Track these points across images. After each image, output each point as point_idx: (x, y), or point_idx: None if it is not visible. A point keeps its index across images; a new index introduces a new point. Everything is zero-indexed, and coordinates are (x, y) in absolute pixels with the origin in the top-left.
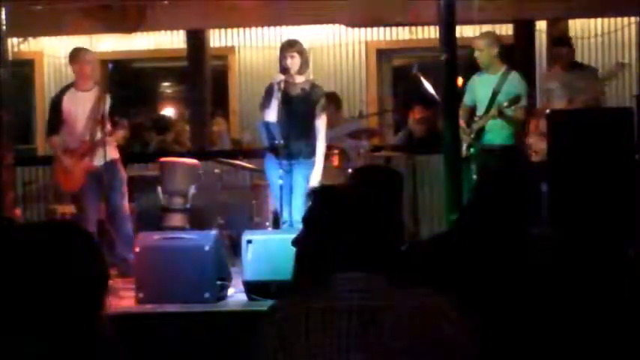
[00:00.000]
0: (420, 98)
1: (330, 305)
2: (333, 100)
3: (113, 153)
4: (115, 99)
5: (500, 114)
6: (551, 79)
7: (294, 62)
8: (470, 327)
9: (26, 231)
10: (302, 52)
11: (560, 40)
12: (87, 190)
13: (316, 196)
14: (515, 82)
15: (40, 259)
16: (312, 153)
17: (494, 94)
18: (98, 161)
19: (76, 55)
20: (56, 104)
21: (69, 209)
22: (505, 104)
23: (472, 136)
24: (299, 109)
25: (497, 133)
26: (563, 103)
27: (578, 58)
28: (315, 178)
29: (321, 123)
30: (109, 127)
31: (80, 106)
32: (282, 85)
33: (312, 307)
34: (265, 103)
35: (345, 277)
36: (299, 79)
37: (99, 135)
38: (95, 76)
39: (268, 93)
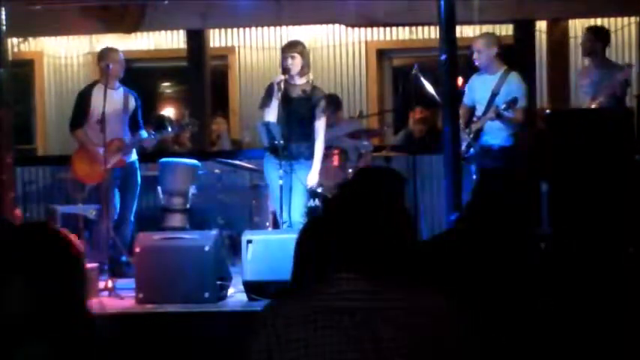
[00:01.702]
0: (420, 98)
1: (329, 305)
2: (333, 102)
3: (134, 152)
4: (138, 102)
5: (498, 116)
6: (583, 77)
7: (294, 63)
8: (470, 327)
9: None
10: (303, 54)
11: (587, 28)
12: (110, 186)
13: (321, 197)
14: (514, 82)
15: (15, 260)
16: (312, 154)
17: (494, 95)
18: (128, 158)
19: (106, 54)
20: (84, 98)
21: (75, 209)
22: (502, 107)
23: (471, 136)
24: (299, 111)
25: (495, 134)
26: (587, 101)
27: (578, 58)
28: (312, 180)
29: (320, 125)
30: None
31: (108, 103)
32: (282, 86)
33: (311, 307)
34: (265, 102)
35: (345, 278)
36: (300, 80)
37: (127, 135)
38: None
39: (268, 92)
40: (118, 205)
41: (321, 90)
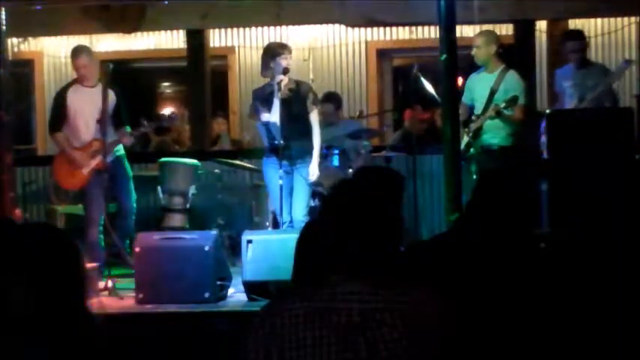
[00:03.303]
0: (420, 98)
1: (327, 306)
2: (333, 99)
3: (117, 148)
4: (120, 97)
5: (498, 114)
6: (565, 78)
7: (290, 63)
8: (469, 327)
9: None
10: (291, 53)
11: (573, 34)
12: (91, 189)
13: (321, 196)
14: (512, 80)
15: (16, 260)
16: (311, 152)
17: (492, 93)
18: (108, 158)
19: (77, 53)
20: (60, 100)
21: (71, 209)
22: (502, 105)
23: (470, 135)
24: (293, 109)
25: (495, 133)
26: (573, 102)
27: None
28: (313, 172)
29: (314, 117)
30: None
31: (85, 103)
32: (282, 86)
33: (309, 307)
34: (261, 105)
35: (342, 279)
36: (284, 80)
37: (110, 133)
38: (97, 74)
39: (261, 96)
40: (97, 208)
41: (306, 83)
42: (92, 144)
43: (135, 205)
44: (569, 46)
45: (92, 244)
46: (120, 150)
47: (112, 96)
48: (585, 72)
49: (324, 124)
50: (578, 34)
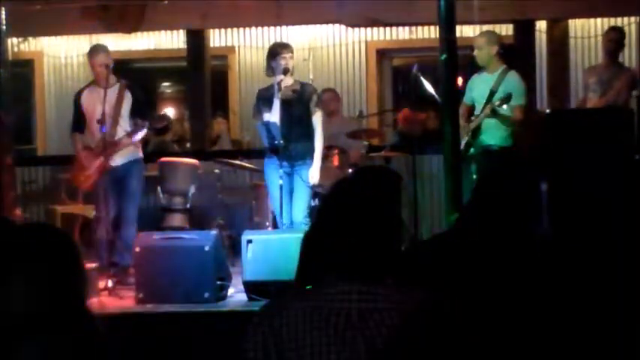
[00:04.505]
0: (419, 98)
1: (326, 306)
2: (333, 90)
3: (134, 153)
4: (137, 98)
5: (494, 112)
6: (591, 75)
7: (290, 63)
8: (469, 327)
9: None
10: (293, 54)
11: (614, 27)
12: (101, 190)
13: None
14: (513, 81)
15: (16, 260)
16: (312, 154)
17: (492, 93)
18: (117, 161)
19: (96, 51)
20: (76, 101)
21: (75, 209)
22: (497, 102)
23: (469, 135)
24: (295, 110)
25: (493, 134)
26: (595, 99)
27: (578, 58)
28: (314, 175)
29: (316, 119)
30: (127, 126)
31: (98, 104)
32: (282, 86)
33: (308, 307)
34: (263, 105)
35: (341, 279)
36: (289, 80)
37: (118, 134)
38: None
39: (264, 96)
40: (106, 209)
41: (310, 85)
42: (99, 144)
43: (135, 214)
44: (608, 36)
45: (98, 243)
46: (134, 154)
47: (127, 95)
48: (613, 71)
49: (325, 114)
50: (619, 28)
